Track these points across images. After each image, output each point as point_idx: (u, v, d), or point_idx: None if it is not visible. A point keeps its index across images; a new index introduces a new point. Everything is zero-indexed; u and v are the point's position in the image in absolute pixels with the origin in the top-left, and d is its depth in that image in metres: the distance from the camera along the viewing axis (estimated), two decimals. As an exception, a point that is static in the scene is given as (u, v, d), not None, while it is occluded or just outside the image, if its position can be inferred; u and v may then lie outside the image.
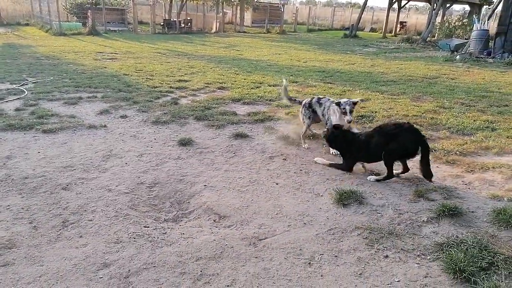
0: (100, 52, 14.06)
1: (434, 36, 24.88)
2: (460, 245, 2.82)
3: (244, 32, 28.67)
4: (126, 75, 9.64)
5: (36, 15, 27.54)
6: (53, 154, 4.51)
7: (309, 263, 2.74)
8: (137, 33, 23.83)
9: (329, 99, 4.98)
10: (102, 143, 4.93)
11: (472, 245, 2.81)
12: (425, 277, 2.59)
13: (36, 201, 3.43)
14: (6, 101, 6.75)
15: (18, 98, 6.97)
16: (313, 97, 5.16)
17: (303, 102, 5.22)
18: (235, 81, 9.25)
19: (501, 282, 2.46)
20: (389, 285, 2.52)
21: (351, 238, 3.03)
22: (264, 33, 28.87)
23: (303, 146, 5.06)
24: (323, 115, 4.97)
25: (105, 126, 5.61)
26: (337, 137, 4.35)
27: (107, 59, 12.52)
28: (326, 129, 4.53)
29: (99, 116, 6.12)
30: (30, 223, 3.10)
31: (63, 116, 6.01)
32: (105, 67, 10.68)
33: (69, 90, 7.70)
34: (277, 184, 3.98)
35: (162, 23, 26.16)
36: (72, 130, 5.39)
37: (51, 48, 14.63)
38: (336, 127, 4.38)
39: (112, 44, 17.30)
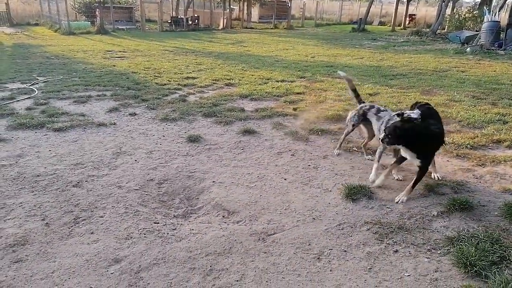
0: (109, 51, 14.16)
1: (444, 29, 24.54)
2: (471, 239, 2.79)
3: (251, 28, 28.60)
4: (135, 73, 9.70)
5: (45, 15, 27.82)
6: (64, 152, 4.57)
7: (318, 258, 2.74)
8: (145, 31, 23.93)
9: (390, 113, 3.93)
10: (111, 141, 4.97)
11: (483, 239, 2.78)
12: (435, 271, 2.57)
13: (48, 199, 3.48)
14: (17, 101, 6.84)
15: (28, 97, 7.06)
16: (373, 106, 4.19)
17: (359, 106, 4.38)
18: (242, 77, 9.25)
19: (513, 276, 2.43)
20: (399, 280, 2.51)
21: (360, 233, 3.03)
22: (272, 28, 28.77)
23: (335, 152, 4.61)
24: (379, 130, 3.92)
25: (114, 124, 5.66)
26: (409, 130, 3.31)
27: (116, 57, 12.60)
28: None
29: (108, 114, 6.18)
30: (42, 220, 3.15)
31: (73, 114, 6.08)
32: (113, 66, 10.76)
33: (78, 89, 7.78)
34: (285, 179, 3.98)
35: (169, 21, 26.23)
36: (82, 128, 5.45)
37: (60, 48, 14.77)
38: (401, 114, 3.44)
39: (120, 42, 17.41)
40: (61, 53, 13.23)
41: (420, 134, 3.30)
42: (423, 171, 3.43)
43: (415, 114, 3.36)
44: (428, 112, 3.63)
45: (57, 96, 7.17)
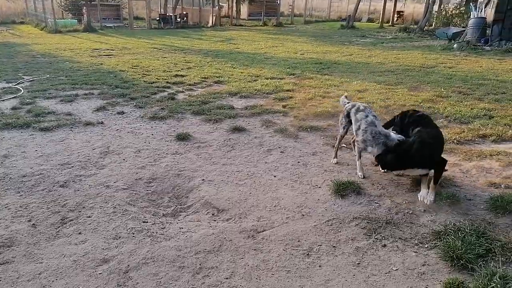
0: (96, 49, 13.99)
1: (431, 25, 24.78)
2: (458, 233, 2.83)
3: (241, 25, 28.52)
4: (123, 71, 9.61)
5: (30, 13, 27.36)
6: (51, 152, 4.50)
7: (308, 254, 2.76)
8: (133, 28, 23.70)
9: (368, 112, 3.83)
10: (99, 140, 4.92)
11: (469, 232, 2.83)
12: (423, 265, 2.61)
13: (34, 199, 3.43)
14: (3, 100, 6.73)
15: (14, 97, 6.95)
16: (354, 104, 4.05)
17: (344, 107, 4.24)
18: (232, 75, 9.22)
19: (498, 268, 2.47)
20: (387, 274, 2.53)
21: (349, 228, 3.05)
22: (261, 26, 28.72)
23: (332, 161, 4.30)
24: (355, 131, 3.90)
25: (102, 123, 5.60)
26: (404, 154, 3.36)
27: (103, 55, 12.46)
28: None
29: (96, 113, 6.11)
30: (29, 221, 3.11)
31: (59, 113, 6.00)
32: (101, 64, 10.64)
33: (65, 88, 7.68)
34: (275, 176, 3.99)
35: (158, 18, 26.00)
36: (69, 127, 5.38)
37: (46, 46, 14.55)
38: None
39: (108, 40, 17.21)
40: (47, 52, 13.03)
41: (417, 151, 3.26)
42: (440, 172, 3.40)
43: (396, 136, 3.51)
44: (420, 120, 3.65)
45: (43, 95, 7.07)
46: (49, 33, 20.03)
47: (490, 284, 2.32)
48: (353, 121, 3.92)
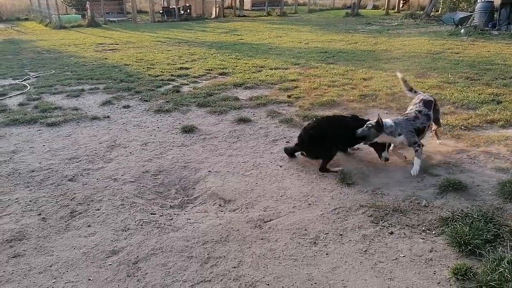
0: (101, 44, 14.01)
1: (438, 11, 24.38)
2: (465, 219, 2.82)
3: (244, 16, 28.31)
4: (127, 65, 9.62)
5: (35, 9, 27.43)
6: (58, 147, 4.55)
7: (315, 242, 2.77)
8: (137, 22, 23.67)
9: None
10: (106, 134, 4.96)
11: (477, 218, 2.81)
12: (430, 251, 2.60)
13: (44, 193, 3.48)
14: (10, 97, 6.79)
15: (21, 93, 7.01)
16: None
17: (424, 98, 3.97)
18: (236, 66, 9.19)
19: (507, 253, 2.46)
20: (394, 261, 2.54)
21: (356, 216, 3.05)
22: (265, 16, 28.50)
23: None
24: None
25: (108, 117, 5.64)
26: None
27: (108, 50, 12.48)
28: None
29: (102, 107, 6.14)
30: (38, 215, 3.15)
31: (66, 108, 6.05)
32: (106, 58, 10.66)
33: (71, 83, 7.72)
34: (281, 166, 3.99)
35: (161, 11, 25.92)
36: (75, 122, 5.43)
37: (51, 42, 14.61)
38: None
39: (112, 35, 17.22)
40: (52, 48, 13.09)
41: None
42: None
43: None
44: None
45: (49, 91, 7.12)
46: (54, 29, 20.10)
47: (498, 269, 2.31)
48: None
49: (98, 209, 3.23)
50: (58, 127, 5.23)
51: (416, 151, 3.66)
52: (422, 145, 3.79)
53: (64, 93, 7.00)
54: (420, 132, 3.73)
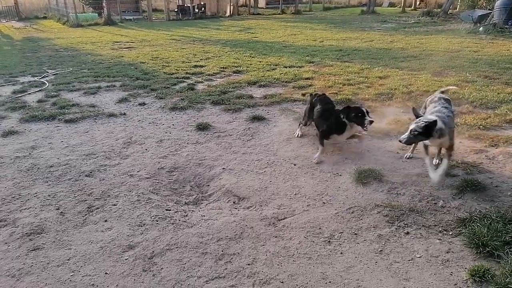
0: (117, 42, 14.19)
1: (456, 8, 23.91)
2: (483, 220, 2.77)
3: (259, 14, 28.28)
4: (143, 63, 9.72)
5: (53, 8, 27.93)
6: (76, 143, 4.63)
7: (329, 241, 2.76)
8: (152, 21, 23.88)
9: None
10: (122, 131, 5.02)
11: (496, 219, 2.76)
12: (447, 252, 2.57)
13: (62, 188, 3.55)
14: (29, 93, 6.94)
15: (39, 90, 7.15)
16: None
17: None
18: (250, 64, 9.19)
19: (526, 256, 2.41)
20: (410, 261, 2.51)
21: (371, 216, 3.02)
22: (279, 14, 28.42)
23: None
24: None
25: (124, 114, 5.71)
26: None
27: (124, 48, 12.63)
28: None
29: (118, 104, 6.23)
30: (57, 209, 3.22)
31: (83, 105, 6.15)
32: (122, 56, 10.79)
33: (88, 80, 7.84)
34: (294, 165, 3.98)
35: (176, 10, 26.09)
36: (92, 119, 5.51)
37: (69, 40, 14.86)
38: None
39: (128, 33, 17.42)
40: (70, 46, 13.32)
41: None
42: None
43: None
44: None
45: (67, 88, 7.24)
46: (71, 27, 20.43)
47: (518, 272, 2.26)
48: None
49: (114, 205, 3.28)
50: (75, 123, 5.33)
51: (450, 155, 3.39)
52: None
53: (81, 90, 7.12)
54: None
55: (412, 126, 3.19)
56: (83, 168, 3.95)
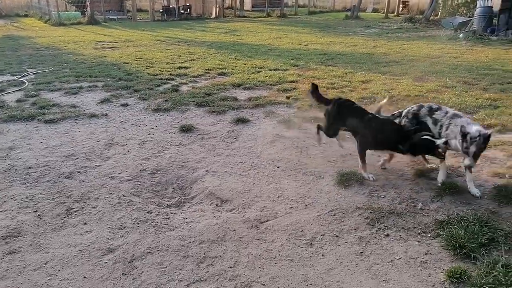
0: (100, 41, 13.99)
1: (437, 15, 24.46)
2: (461, 222, 2.83)
3: (244, 16, 28.31)
4: (126, 63, 9.61)
5: (34, 6, 27.35)
6: (55, 144, 4.54)
7: (311, 243, 2.78)
8: (136, 21, 23.64)
9: (447, 112, 3.45)
10: (103, 132, 4.95)
11: (472, 222, 2.82)
12: (425, 254, 2.61)
13: (40, 190, 3.47)
14: (8, 93, 6.77)
15: (19, 90, 6.99)
16: (422, 106, 3.65)
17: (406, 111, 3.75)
18: (235, 67, 9.19)
19: (501, 257, 2.47)
20: (390, 263, 2.54)
21: (352, 218, 3.06)
22: (265, 17, 28.50)
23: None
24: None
25: (106, 114, 5.63)
26: None
27: (107, 48, 12.46)
28: None
29: (100, 105, 6.14)
30: (34, 211, 3.15)
31: (64, 106, 6.03)
32: (105, 56, 10.64)
33: (69, 80, 7.70)
34: (278, 167, 4.00)
35: (161, 10, 25.88)
36: (73, 119, 5.42)
37: (50, 39, 14.57)
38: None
39: (111, 32, 17.19)
40: (51, 45, 13.06)
41: None
42: None
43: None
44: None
45: (47, 88, 7.10)
46: (53, 26, 20.04)
47: (493, 273, 2.32)
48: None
49: (94, 207, 3.23)
50: (55, 124, 5.22)
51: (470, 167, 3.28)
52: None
53: (62, 90, 6.99)
54: None
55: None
56: (62, 170, 3.87)
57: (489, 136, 3.16)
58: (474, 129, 3.14)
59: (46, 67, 9.09)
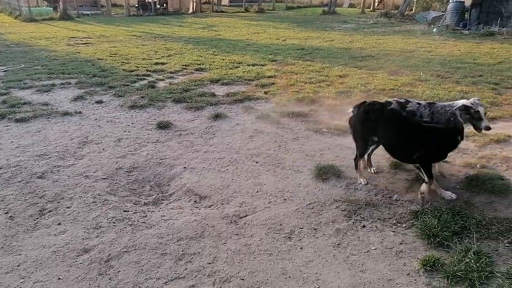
0: (73, 37, 13.61)
1: (412, 10, 24.92)
2: (434, 212, 2.91)
3: (222, 12, 28.12)
4: (101, 59, 9.39)
5: (3, 1, 26.31)
6: (27, 143, 4.40)
7: (289, 237, 2.79)
8: (111, 16, 23.10)
9: (420, 103, 3.42)
10: (77, 130, 4.83)
11: (445, 211, 2.90)
12: (400, 243, 2.67)
13: (11, 191, 3.36)
14: (-25, 91, 6.51)
15: (-13, 88, 6.73)
16: (389, 102, 3.46)
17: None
18: (213, 62, 9.12)
19: (473, 244, 2.55)
20: (366, 253, 2.59)
21: (330, 211, 3.09)
22: (243, 12, 28.38)
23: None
24: None
25: (80, 112, 5.49)
26: None
27: (81, 44, 12.13)
28: None
29: (73, 102, 5.98)
30: (6, 213, 3.04)
31: (36, 104, 5.85)
32: (78, 53, 10.37)
33: (41, 78, 7.47)
34: (257, 162, 4.00)
35: (136, 5, 25.36)
36: (45, 118, 5.26)
37: (21, 35, 14.07)
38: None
39: (85, 28, 16.74)
40: (22, 41, 12.61)
41: None
42: None
43: None
44: None
45: (18, 86, 6.86)
46: (24, 22, 19.34)
47: (465, 260, 2.40)
48: None
49: (68, 207, 3.15)
50: (27, 123, 5.06)
51: None
52: None
53: (34, 88, 6.77)
54: None
55: None
56: (34, 170, 3.76)
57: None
58: (462, 101, 3.29)
59: (16, 64, 8.78)
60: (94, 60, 9.26)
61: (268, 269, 2.47)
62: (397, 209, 3.06)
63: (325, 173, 3.64)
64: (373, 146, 3.48)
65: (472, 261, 2.37)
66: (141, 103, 5.88)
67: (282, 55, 10.07)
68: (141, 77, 7.66)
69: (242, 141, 4.54)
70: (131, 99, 6.09)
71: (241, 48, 11.35)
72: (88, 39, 13.27)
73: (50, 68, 8.26)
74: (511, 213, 2.93)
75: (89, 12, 23.98)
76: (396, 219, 2.94)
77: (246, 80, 7.41)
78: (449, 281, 2.28)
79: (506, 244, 2.59)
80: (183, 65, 8.77)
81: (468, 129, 3.46)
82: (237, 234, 2.84)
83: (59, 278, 2.38)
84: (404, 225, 2.87)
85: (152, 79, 7.50)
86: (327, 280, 2.37)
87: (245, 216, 3.06)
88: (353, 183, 3.50)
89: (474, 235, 2.67)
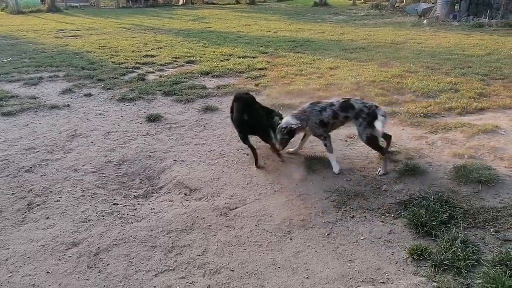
0: (61, 30, 13.41)
1: (402, 2, 24.94)
2: (422, 202, 2.94)
3: (213, 3, 27.87)
4: (89, 52, 9.27)
5: (-12, -7, 25.75)
6: (15, 137, 4.34)
7: (279, 228, 2.81)
8: (100, 8, 22.78)
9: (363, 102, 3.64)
10: (65, 123, 4.77)
11: (433, 201, 2.94)
12: (389, 233, 2.70)
13: (-1, 186, 3.32)
14: (-39, 85, 6.39)
15: (-27, 81, 6.61)
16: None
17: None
18: (204, 54, 9.06)
19: (460, 233, 2.59)
20: (355, 243, 2.61)
21: (319, 202, 3.11)
22: (234, 4, 28.16)
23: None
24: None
25: (68, 105, 5.43)
26: None
27: (69, 36, 11.96)
28: None
29: (61, 95, 5.90)
30: (-7, 208, 3.01)
31: (23, 97, 5.76)
32: (66, 45, 10.22)
33: (29, 70, 7.36)
34: (247, 155, 3.99)
35: (126, -3, 25.04)
36: (33, 111, 5.19)
37: (8, 28, 13.82)
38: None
39: (73, 20, 16.49)
40: (9, 34, 12.39)
41: None
42: None
43: None
44: None
45: (5, 79, 6.76)
46: (11, 14, 19.00)
47: (452, 249, 2.43)
48: None
49: (57, 201, 3.13)
50: (14, 116, 4.99)
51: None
52: None
53: (21, 81, 6.67)
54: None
55: None
56: (22, 164, 3.71)
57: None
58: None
59: (3, 57, 8.63)
60: (82, 53, 9.14)
61: (257, 260, 2.48)
62: (385, 200, 3.09)
63: (315, 164, 3.65)
64: None
65: (459, 249, 2.41)
66: (131, 96, 5.83)
67: (273, 47, 10.03)
68: (131, 69, 7.58)
69: (232, 134, 4.52)
70: (120, 92, 6.03)
71: (232, 40, 11.27)
72: (77, 31, 13.08)
73: (38, 61, 8.14)
74: (498, 202, 2.97)
75: (77, 4, 23.60)
76: (384, 209, 2.97)
77: (237, 72, 7.38)
78: (436, 270, 2.31)
79: (493, 233, 2.63)
80: (173, 58, 8.70)
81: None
82: (227, 226, 2.85)
83: (47, 272, 2.37)
84: (392, 215, 2.90)
85: (141, 72, 7.43)
86: (316, 269, 2.39)
87: (235, 208, 3.07)
88: (342, 174, 3.52)
89: (461, 224, 2.71)
